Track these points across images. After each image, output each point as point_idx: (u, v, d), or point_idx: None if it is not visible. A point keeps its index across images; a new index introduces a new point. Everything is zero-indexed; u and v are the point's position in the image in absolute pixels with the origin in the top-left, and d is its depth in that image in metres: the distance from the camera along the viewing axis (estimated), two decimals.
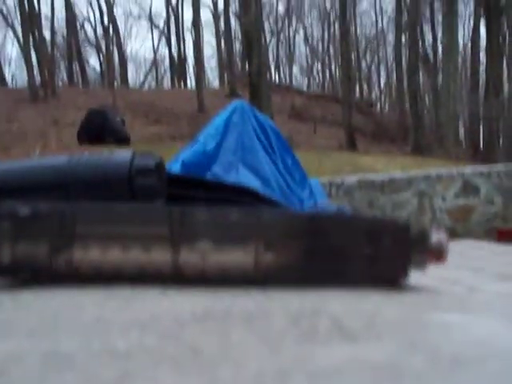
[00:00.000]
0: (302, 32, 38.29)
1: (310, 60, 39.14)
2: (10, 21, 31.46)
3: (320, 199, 6.98)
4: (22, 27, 22.84)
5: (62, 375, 0.25)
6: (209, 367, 0.26)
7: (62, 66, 32.30)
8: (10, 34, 32.31)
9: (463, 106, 25.25)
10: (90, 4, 34.67)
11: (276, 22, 36.55)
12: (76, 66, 31.30)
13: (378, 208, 8.24)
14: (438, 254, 0.58)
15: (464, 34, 27.65)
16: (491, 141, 22.55)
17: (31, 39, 22.45)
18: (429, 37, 26.13)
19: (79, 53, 31.10)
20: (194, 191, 0.86)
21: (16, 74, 33.73)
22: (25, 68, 23.74)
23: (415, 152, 18.72)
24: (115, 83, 27.59)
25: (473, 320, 0.36)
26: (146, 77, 37.12)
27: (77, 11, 31.13)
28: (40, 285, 0.46)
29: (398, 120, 24.85)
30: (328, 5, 33.89)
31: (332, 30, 34.36)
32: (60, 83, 28.50)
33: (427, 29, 25.89)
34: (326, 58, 35.84)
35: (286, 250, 0.52)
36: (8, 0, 29.83)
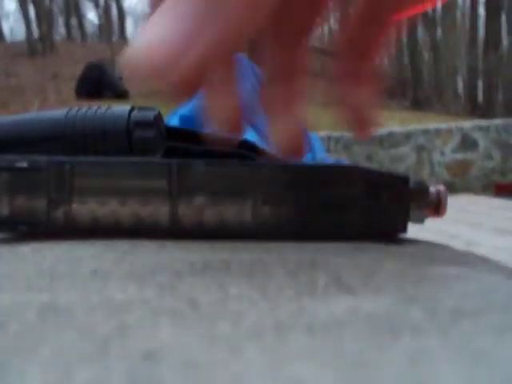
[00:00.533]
0: None
1: None
2: None
3: (318, 153, 7.01)
4: None
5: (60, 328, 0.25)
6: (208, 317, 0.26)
7: (60, 20, 32.09)
8: None
9: (462, 60, 25.17)
10: None
11: None
12: (74, 20, 31.13)
13: (377, 162, 8.27)
14: (437, 208, 0.58)
15: None
16: (490, 95, 22.54)
17: None
18: None
19: (77, 7, 30.92)
20: (193, 144, 0.86)
21: (14, 28, 33.53)
22: (23, 22, 23.63)
23: (414, 107, 18.72)
24: (113, 37, 27.46)
25: (472, 273, 0.36)
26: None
27: None
28: (38, 239, 0.46)
29: (396, 74, 24.78)
30: None
31: None
32: (58, 37, 28.35)
33: None
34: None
35: (284, 203, 0.52)
36: None
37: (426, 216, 0.55)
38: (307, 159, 4.77)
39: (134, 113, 0.76)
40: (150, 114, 0.77)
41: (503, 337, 0.25)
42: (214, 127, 0.47)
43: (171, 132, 0.85)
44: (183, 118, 4.40)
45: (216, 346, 0.24)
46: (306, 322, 0.26)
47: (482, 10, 24.36)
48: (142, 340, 0.24)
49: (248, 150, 0.86)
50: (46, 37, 22.90)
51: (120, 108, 0.77)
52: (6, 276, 0.33)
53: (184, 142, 0.89)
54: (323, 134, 8.27)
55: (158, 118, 0.78)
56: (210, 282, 0.32)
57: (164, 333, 0.25)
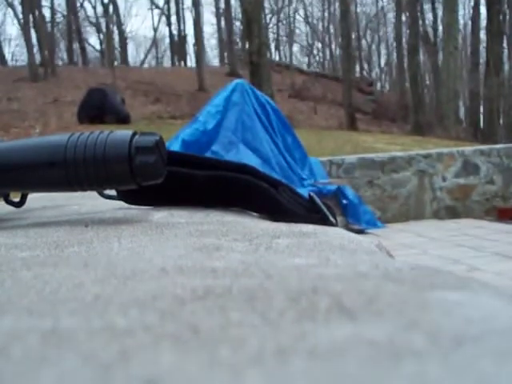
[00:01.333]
0: (302, 11, 38.21)
1: (310, 39, 39.13)
2: (9, 0, 31.40)
3: (320, 178, 7.00)
4: (22, 6, 22.84)
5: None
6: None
7: (62, 45, 32.26)
8: (10, 12, 32.21)
9: (463, 84, 25.28)
10: None
11: (276, 1, 36.52)
12: (76, 46, 31.30)
13: (378, 186, 8.25)
14: None
15: (464, 13, 27.62)
16: (491, 120, 22.61)
17: (31, 18, 22.48)
18: (429, 15, 26.09)
19: (79, 32, 31.10)
20: (195, 169, 0.86)
21: (16, 53, 33.72)
22: (25, 47, 23.80)
23: (415, 131, 18.78)
24: (115, 62, 27.60)
25: (473, 299, 0.36)
26: (146, 56, 37.03)
27: None
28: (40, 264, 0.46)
29: (398, 99, 24.87)
30: None
31: (332, 8, 34.29)
32: (60, 62, 28.51)
33: (428, 7, 25.85)
34: (327, 37, 35.79)
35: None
36: None
37: None
38: (309, 183, 4.76)
39: (136, 138, 0.77)
40: (152, 140, 0.77)
41: (504, 361, 0.25)
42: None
43: (173, 157, 0.85)
44: (185, 142, 4.38)
45: (217, 372, 0.24)
46: (308, 347, 0.26)
47: (483, 35, 24.48)
48: (144, 366, 0.24)
49: (249, 175, 0.86)
50: (48, 62, 23.02)
51: (122, 133, 0.77)
52: (8, 301, 0.33)
53: (185, 167, 0.90)
54: (325, 159, 8.28)
55: (160, 143, 0.78)
56: (212, 307, 0.32)
57: (165, 359, 0.25)
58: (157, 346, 0.27)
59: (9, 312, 0.31)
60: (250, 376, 0.24)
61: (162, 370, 0.24)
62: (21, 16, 24.63)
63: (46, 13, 27.11)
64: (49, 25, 27.10)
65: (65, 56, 31.70)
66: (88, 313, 0.31)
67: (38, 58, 22.82)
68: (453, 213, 8.83)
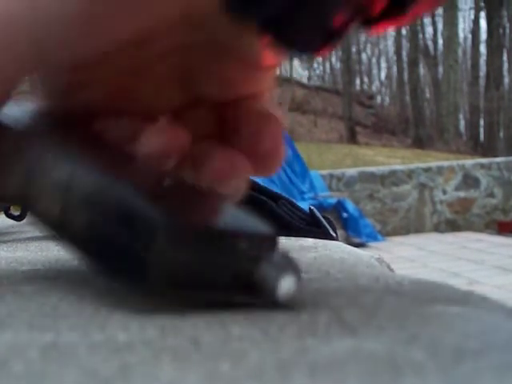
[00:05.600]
0: None
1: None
2: None
3: (320, 191, 7.03)
4: None
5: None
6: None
7: None
8: None
9: (463, 98, 25.31)
10: None
11: None
12: None
13: (379, 200, 8.27)
14: None
15: (464, 27, 27.68)
16: (492, 133, 22.66)
17: None
18: (429, 29, 26.15)
19: None
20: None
21: None
22: None
23: (416, 144, 18.80)
24: None
25: (472, 313, 0.36)
26: None
27: None
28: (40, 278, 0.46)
29: (398, 112, 24.92)
30: None
31: None
32: None
33: (428, 21, 25.92)
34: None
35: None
36: None
37: None
38: (309, 197, 4.78)
39: None
40: None
41: (504, 377, 0.25)
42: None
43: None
44: None
45: None
46: (308, 361, 0.26)
47: (483, 49, 24.55)
48: (145, 381, 0.24)
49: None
50: None
51: None
52: (9, 315, 0.33)
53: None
54: (325, 173, 8.29)
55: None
56: (212, 321, 0.32)
57: (166, 373, 0.25)
58: (157, 360, 0.27)
59: (9, 326, 0.31)
60: None
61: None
62: None
63: None
64: None
65: None
66: (88, 327, 0.31)
67: None
68: (453, 226, 8.84)
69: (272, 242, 0.34)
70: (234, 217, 0.37)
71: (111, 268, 0.34)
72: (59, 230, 0.37)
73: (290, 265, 0.34)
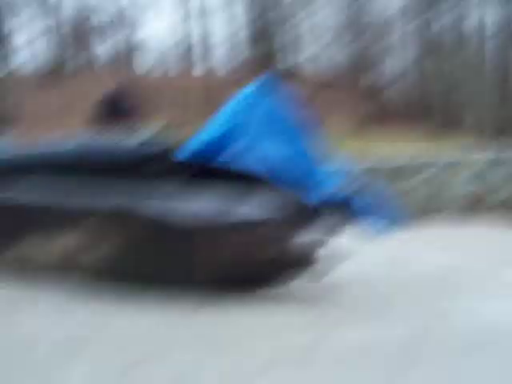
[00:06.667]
0: (309, 20, 38.25)
1: (318, 47, 39.08)
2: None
3: (338, 183, 6.82)
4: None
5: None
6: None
7: (71, 52, 32.33)
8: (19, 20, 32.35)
9: (473, 93, 25.18)
10: None
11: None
12: (86, 53, 31.34)
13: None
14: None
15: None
16: (503, 128, 22.51)
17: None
18: (438, 24, 26.00)
19: (88, 40, 31.13)
20: (203, 177, 0.86)
21: (25, 60, 33.82)
22: (32, 55, 23.88)
23: (425, 139, 18.71)
24: (124, 70, 27.62)
25: (484, 307, 0.36)
26: (154, 63, 37.08)
27: None
28: None
29: (407, 107, 24.80)
30: None
31: (340, 17, 34.28)
32: (69, 69, 28.54)
33: (436, 16, 25.79)
34: (335, 46, 35.74)
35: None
36: None
37: None
38: (325, 189, 4.65)
39: (144, 147, 0.77)
40: (159, 149, 0.77)
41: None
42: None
43: (181, 164, 0.85)
44: (195, 149, 4.25)
45: (228, 380, 0.24)
46: (320, 353, 0.26)
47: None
48: (159, 371, 0.24)
49: (258, 184, 0.86)
50: (57, 69, 23.07)
51: (130, 142, 0.78)
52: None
53: (193, 175, 0.90)
54: (335, 167, 8.25)
55: (169, 151, 0.78)
56: (224, 315, 0.32)
57: (177, 365, 0.25)
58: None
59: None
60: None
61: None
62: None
63: (55, 21, 27.11)
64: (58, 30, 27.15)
65: (73, 63, 31.74)
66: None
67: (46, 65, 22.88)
68: (465, 220, 8.81)
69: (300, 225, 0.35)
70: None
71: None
72: None
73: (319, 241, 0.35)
